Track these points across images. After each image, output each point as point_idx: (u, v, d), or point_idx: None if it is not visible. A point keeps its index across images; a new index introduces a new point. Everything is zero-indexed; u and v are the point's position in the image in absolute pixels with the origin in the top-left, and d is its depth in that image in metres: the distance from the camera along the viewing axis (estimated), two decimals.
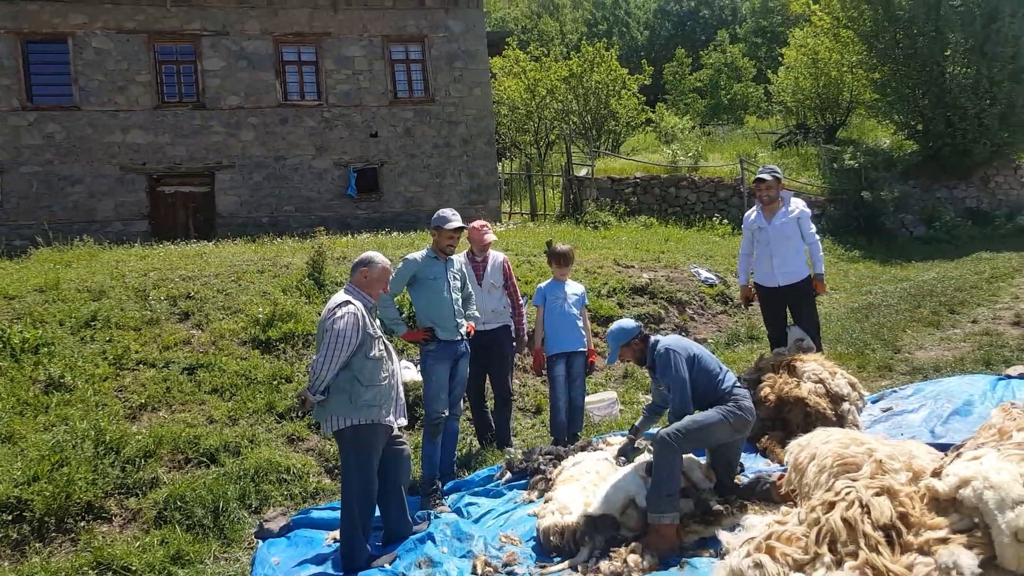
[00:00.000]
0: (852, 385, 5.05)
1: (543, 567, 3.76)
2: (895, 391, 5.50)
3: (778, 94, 24.62)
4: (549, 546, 3.88)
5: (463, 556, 3.92)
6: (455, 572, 3.74)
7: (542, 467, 4.74)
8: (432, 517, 4.45)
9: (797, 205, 5.88)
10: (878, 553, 2.78)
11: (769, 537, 3.05)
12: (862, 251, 14.72)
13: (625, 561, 3.56)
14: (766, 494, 3.99)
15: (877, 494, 3.00)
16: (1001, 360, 6.19)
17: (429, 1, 15.26)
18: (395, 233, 12.63)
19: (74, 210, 13.65)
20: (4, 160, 13.46)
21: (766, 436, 4.81)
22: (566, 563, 3.72)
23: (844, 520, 2.90)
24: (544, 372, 5.89)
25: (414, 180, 15.08)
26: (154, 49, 14.12)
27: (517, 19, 41.93)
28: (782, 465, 4.19)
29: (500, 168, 17.98)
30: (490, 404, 5.94)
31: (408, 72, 15.26)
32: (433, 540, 4.08)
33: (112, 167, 13.87)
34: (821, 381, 4.88)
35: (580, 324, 5.70)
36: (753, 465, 4.60)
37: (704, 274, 10.45)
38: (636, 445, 4.56)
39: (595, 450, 4.74)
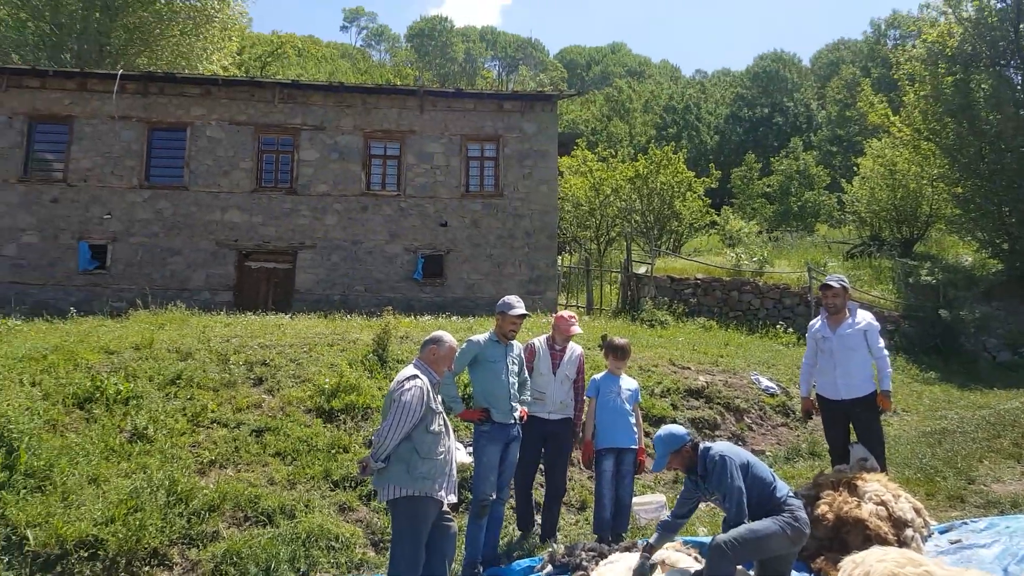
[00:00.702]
0: (917, 511, 4.80)
1: None
2: (966, 523, 5.19)
3: (852, 204, 23.61)
4: None
5: None
6: None
7: (584, 563, 4.65)
8: None
9: (864, 317, 5.71)
10: None
11: None
12: (938, 373, 13.75)
13: None
14: None
15: None
16: None
17: (508, 105, 16.44)
18: (455, 317, 13.03)
19: (171, 278, 14.97)
20: (118, 231, 15.06)
21: (822, 556, 4.57)
22: None
23: None
24: (592, 466, 5.79)
25: (476, 268, 15.72)
26: (259, 139, 15.77)
27: (588, 121, 43.70)
28: None
29: (559, 261, 18.36)
30: (535, 494, 5.91)
31: (481, 168, 16.24)
32: None
33: (208, 242, 15.26)
34: (884, 503, 4.65)
35: (632, 420, 5.60)
36: None
37: (765, 382, 9.96)
38: (651, 561, 4.38)
39: (639, 552, 4.59)
